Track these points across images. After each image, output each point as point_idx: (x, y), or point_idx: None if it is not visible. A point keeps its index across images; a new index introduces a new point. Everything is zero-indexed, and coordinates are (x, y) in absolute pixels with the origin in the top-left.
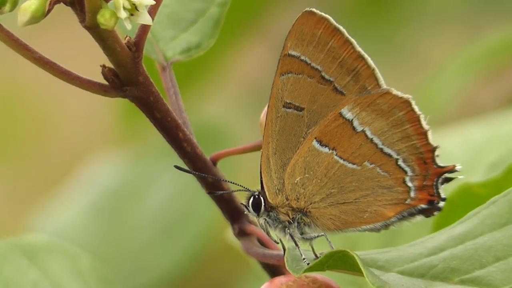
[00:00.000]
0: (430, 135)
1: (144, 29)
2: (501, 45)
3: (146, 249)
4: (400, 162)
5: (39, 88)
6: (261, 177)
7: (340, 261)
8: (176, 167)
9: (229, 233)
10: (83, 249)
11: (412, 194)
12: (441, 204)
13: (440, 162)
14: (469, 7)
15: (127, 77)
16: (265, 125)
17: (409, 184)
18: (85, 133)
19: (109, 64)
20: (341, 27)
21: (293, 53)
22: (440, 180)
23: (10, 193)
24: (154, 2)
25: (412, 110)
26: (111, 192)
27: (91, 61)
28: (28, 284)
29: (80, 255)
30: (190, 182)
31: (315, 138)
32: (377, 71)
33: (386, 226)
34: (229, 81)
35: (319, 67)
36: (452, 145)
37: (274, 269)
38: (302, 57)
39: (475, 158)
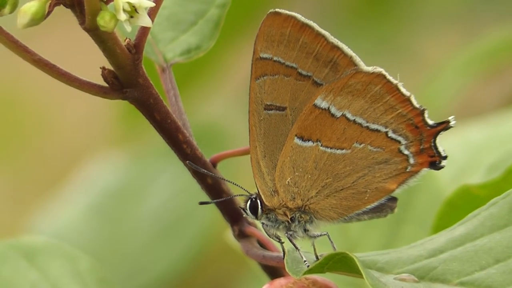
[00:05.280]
0: (413, 99)
1: (143, 31)
2: (500, 45)
3: (145, 250)
4: (391, 134)
5: (39, 89)
6: (255, 181)
7: (340, 263)
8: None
9: (229, 234)
10: (82, 250)
11: (412, 160)
12: (443, 163)
13: (432, 121)
14: (469, 7)
15: (127, 79)
16: (249, 131)
17: (406, 152)
18: (85, 134)
19: (109, 66)
20: (310, 22)
21: (265, 55)
22: (437, 139)
23: (10, 194)
24: (153, 4)
25: (388, 81)
26: (111, 193)
27: (91, 63)
28: (27, 285)
29: (79, 257)
30: (190, 183)
31: (296, 135)
32: (355, 57)
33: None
34: (229, 83)
35: (294, 65)
36: (452, 146)
37: (274, 271)
38: (275, 58)
39: (474, 159)
